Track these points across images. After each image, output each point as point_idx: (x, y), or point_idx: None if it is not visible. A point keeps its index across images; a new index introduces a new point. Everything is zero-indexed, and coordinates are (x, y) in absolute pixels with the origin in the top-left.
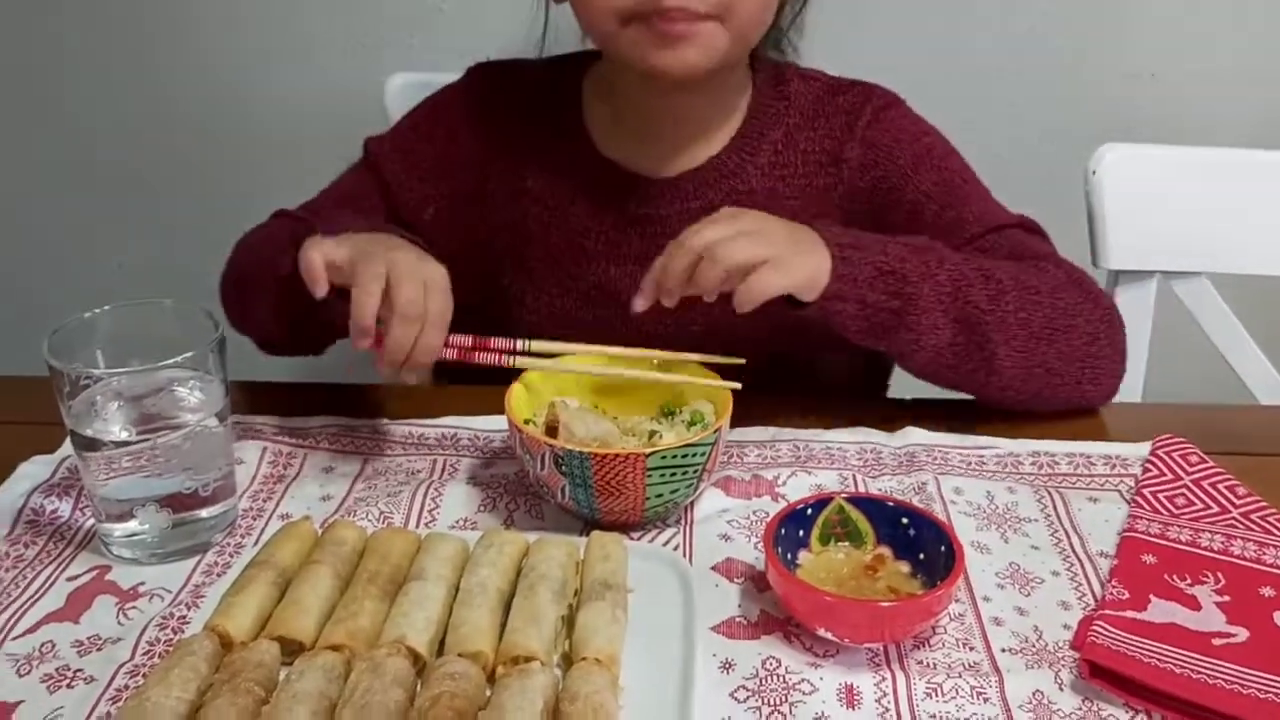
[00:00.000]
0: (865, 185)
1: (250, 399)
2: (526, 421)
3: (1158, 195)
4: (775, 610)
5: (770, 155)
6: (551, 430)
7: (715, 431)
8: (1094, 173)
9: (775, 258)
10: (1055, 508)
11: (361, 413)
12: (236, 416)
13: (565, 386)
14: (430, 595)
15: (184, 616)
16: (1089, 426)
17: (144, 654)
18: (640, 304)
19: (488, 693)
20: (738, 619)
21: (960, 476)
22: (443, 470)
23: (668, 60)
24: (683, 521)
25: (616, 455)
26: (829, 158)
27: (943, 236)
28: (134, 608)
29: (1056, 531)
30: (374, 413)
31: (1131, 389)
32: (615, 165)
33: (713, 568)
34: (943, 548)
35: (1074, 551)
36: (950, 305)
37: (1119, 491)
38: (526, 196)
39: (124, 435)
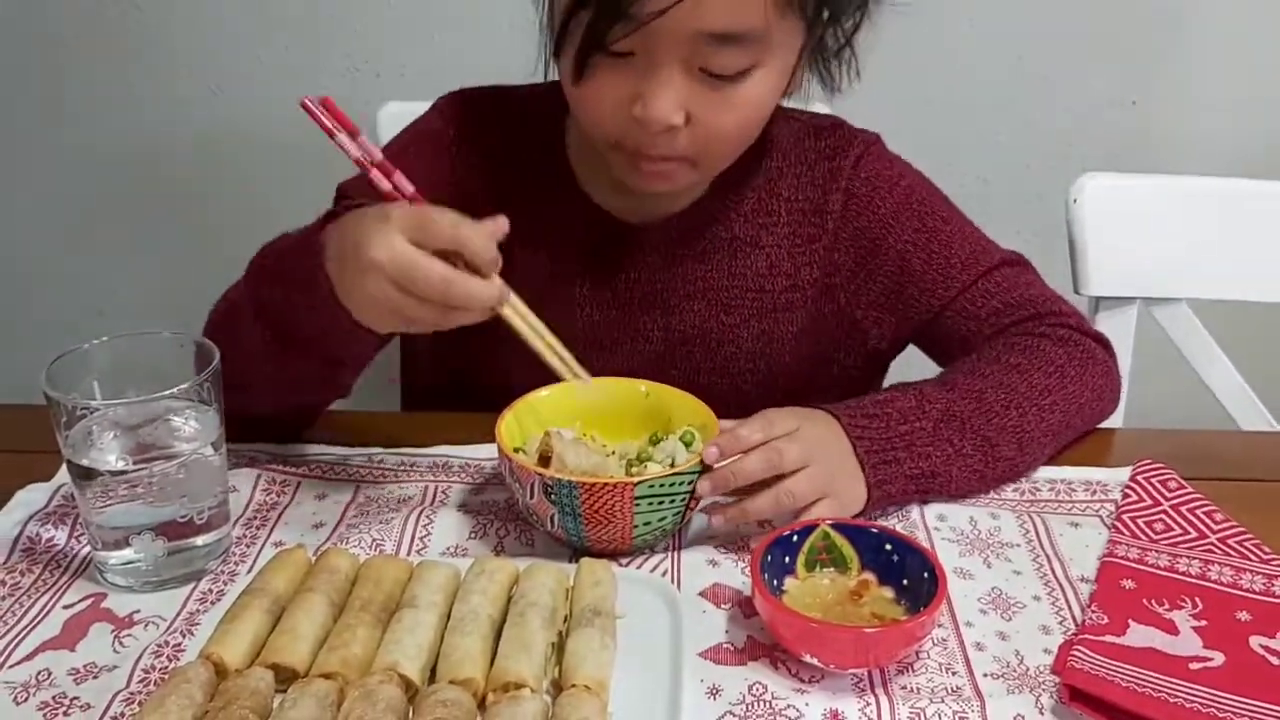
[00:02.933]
0: (848, 235)
1: (244, 426)
2: (517, 450)
3: (1138, 223)
4: (762, 636)
5: (754, 202)
6: (545, 460)
7: (701, 461)
8: (1075, 201)
9: (833, 493)
10: (1037, 533)
11: (354, 440)
12: (230, 444)
13: (558, 415)
14: (422, 622)
15: (179, 644)
16: (1071, 452)
17: (140, 681)
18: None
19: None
20: (725, 645)
21: (944, 503)
22: (434, 497)
23: (644, 185)
24: (671, 547)
25: (605, 484)
26: (812, 207)
27: (934, 289)
28: (129, 635)
29: (1038, 556)
30: (366, 441)
31: (1112, 414)
32: (599, 208)
33: (700, 593)
34: (926, 573)
35: (1055, 576)
36: (981, 468)
37: (1100, 517)
38: (512, 236)
39: (120, 464)
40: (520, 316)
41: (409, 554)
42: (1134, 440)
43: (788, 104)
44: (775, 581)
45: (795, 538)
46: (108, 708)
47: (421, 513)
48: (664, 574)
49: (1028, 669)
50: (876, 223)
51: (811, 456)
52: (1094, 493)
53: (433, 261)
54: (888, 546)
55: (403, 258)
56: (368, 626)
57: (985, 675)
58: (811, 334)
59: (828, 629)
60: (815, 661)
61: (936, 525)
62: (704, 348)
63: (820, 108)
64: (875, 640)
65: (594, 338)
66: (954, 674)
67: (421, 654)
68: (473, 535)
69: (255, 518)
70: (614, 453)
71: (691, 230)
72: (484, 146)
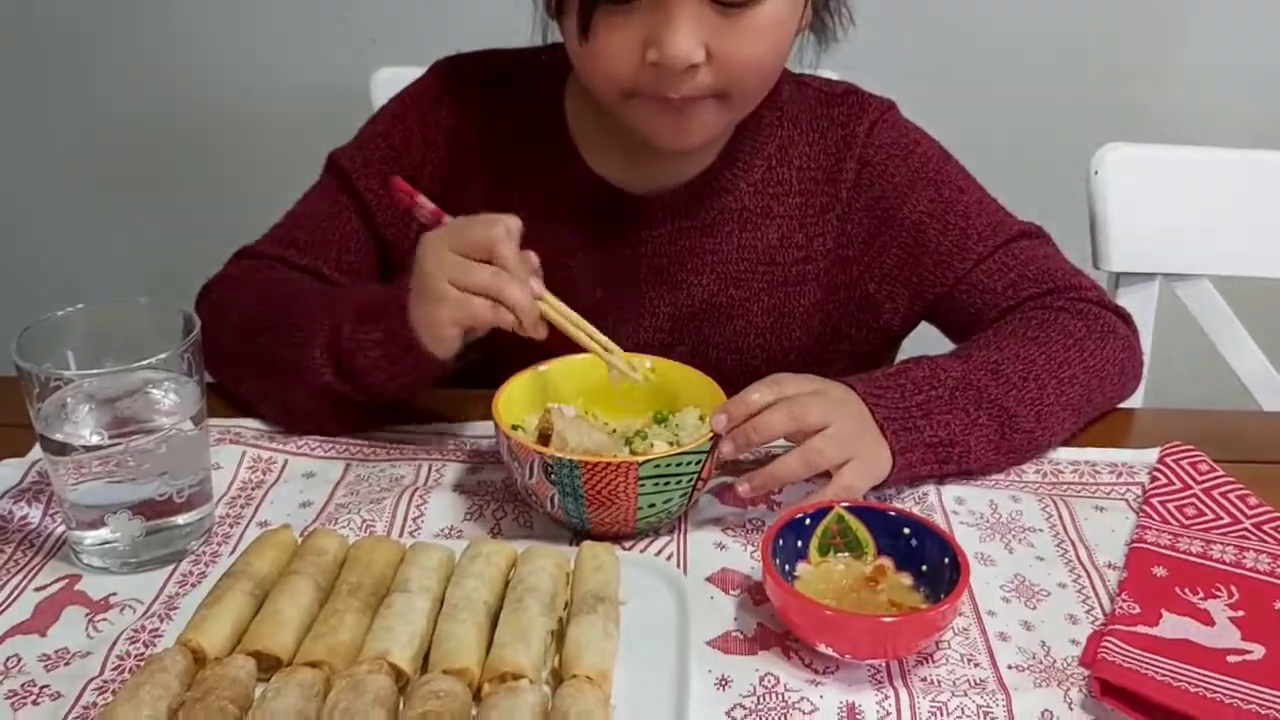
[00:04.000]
0: (861, 204)
1: (229, 401)
2: (515, 427)
3: (1160, 196)
4: (773, 624)
5: (764, 171)
6: (545, 438)
7: (710, 439)
8: (1096, 173)
9: (859, 455)
10: (1061, 517)
11: None
12: (214, 420)
13: (559, 391)
14: (414, 608)
15: (156, 629)
16: (1094, 433)
17: (114, 669)
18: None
19: (474, 712)
20: (734, 633)
21: (962, 485)
22: (428, 476)
23: (668, 138)
24: (677, 530)
25: (608, 464)
26: (825, 175)
27: (949, 261)
28: (104, 620)
29: (1063, 542)
30: None
31: (1134, 392)
32: (602, 180)
33: (708, 579)
34: (946, 559)
35: (1081, 563)
36: (998, 439)
37: (1126, 500)
38: (510, 208)
39: (95, 439)
40: (555, 310)
41: (401, 535)
42: (1156, 420)
43: (798, 69)
44: (787, 566)
45: (808, 520)
46: (79, 697)
47: (415, 492)
48: (669, 557)
49: (1055, 661)
50: (891, 191)
51: (833, 416)
52: (1120, 475)
53: (474, 264)
54: (905, 530)
55: (450, 263)
56: (356, 612)
57: (1010, 667)
58: (824, 308)
59: (843, 617)
60: (830, 651)
61: (955, 509)
62: (713, 323)
63: (828, 73)
64: (894, 630)
65: (599, 313)
66: (977, 665)
67: (413, 642)
68: (468, 516)
69: (239, 496)
70: (615, 431)
71: (699, 201)
72: (478, 116)
